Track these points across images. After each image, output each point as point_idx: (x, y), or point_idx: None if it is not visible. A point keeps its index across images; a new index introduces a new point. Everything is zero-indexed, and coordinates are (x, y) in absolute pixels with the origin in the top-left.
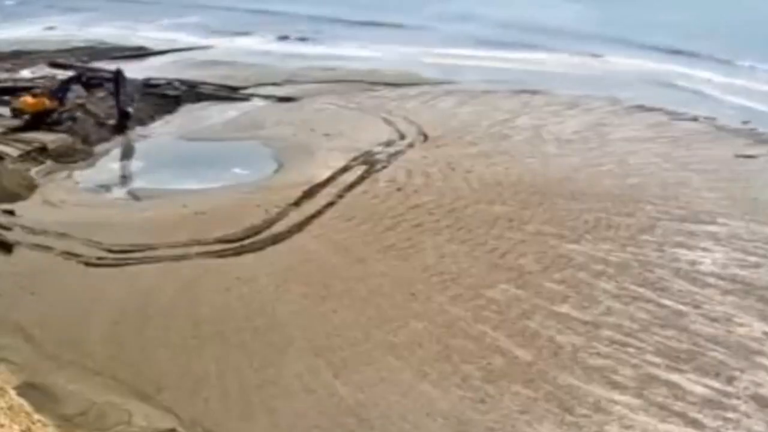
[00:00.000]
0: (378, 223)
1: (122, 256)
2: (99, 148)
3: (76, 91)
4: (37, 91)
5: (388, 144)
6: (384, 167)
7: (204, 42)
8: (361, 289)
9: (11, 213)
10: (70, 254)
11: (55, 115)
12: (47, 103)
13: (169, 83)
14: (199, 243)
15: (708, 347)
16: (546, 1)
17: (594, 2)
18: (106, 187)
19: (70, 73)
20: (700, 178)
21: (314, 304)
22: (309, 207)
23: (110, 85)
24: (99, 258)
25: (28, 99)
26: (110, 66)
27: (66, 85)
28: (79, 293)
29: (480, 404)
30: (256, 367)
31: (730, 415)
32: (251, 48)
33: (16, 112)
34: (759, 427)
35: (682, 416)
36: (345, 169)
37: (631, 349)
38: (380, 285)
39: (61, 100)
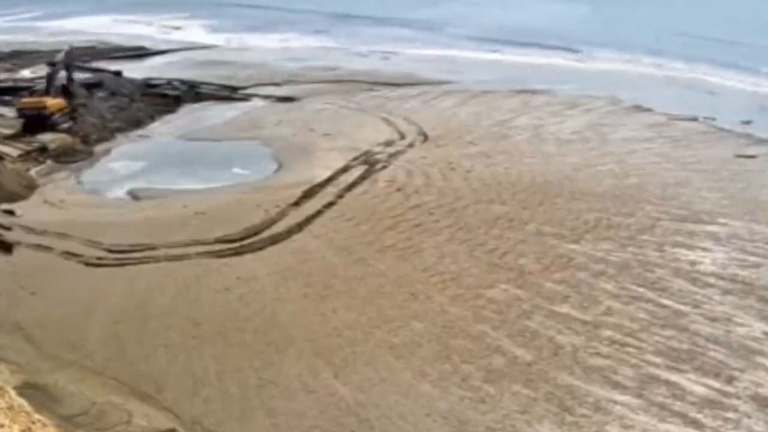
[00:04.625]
0: (378, 223)
1: (122, 256)
2: (99, 148)
3: (77, 92)
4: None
5: (388, 144)
6: (384, 167)
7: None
8: (361, 289)
9: (11, 213)
10: (70, 254)
11: (58, 116)
12: (63, 102)
13: (169, 83)
14: (199, 243)
15: (708, 347)
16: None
17: (594, 3)
18: (106, 187)
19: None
20: (700, 178)
21: (314, 304)
22: (309, 207)
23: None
24: (99, 258)
25: (47, 99)
26: (111, 66)
27: (51, 81)
28: (79, 293)
29: (480, 404)
30: (256, 367)
31: (730, 415)
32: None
33: (29, 111)
34: (759, 427)
35: (682, 416)
36: (345, 169)
37: (631, 349)
38: (380, 285)
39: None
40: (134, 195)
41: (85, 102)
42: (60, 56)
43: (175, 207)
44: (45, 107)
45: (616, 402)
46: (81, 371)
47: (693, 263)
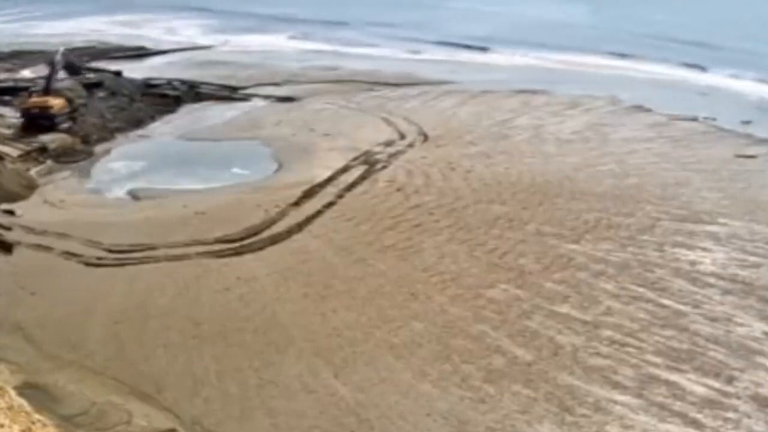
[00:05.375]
0: (378, 223)
1: (122, 256)
2: (99, 148)
3: (76, 91)
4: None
5: (388, 144)
6: (384, 167)
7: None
8: (361, 289)
9: (11, 213)
10: (70, 254)
11: (60, 117)
12: (63, 101)
13: (169, 83)
14: (199, 243)
15: (708, 347)
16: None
17: (594, 4)
18: (106, 187)
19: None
20: (700, 178)
21: (314, 304)
22: (309, 207)
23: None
24: (99, 258)
25: (51, 98)
26: (111, 66)
27: (49, 81)
28: (79, 293)
29: (480, 404)
30: (256, 367)
31: (730, 415)
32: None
33: (37, 111)
34: (759, 427)
35: (682, 416)
36: (345, 169)
37: (631, 349)
38: (380, 285)
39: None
40: (134, 195)
41: (85, 102)
42: (58, 57)
43: (175, 207)
44: (50, 107)
45: (616, 402)
46: (81, 371)
47: (693, 263)
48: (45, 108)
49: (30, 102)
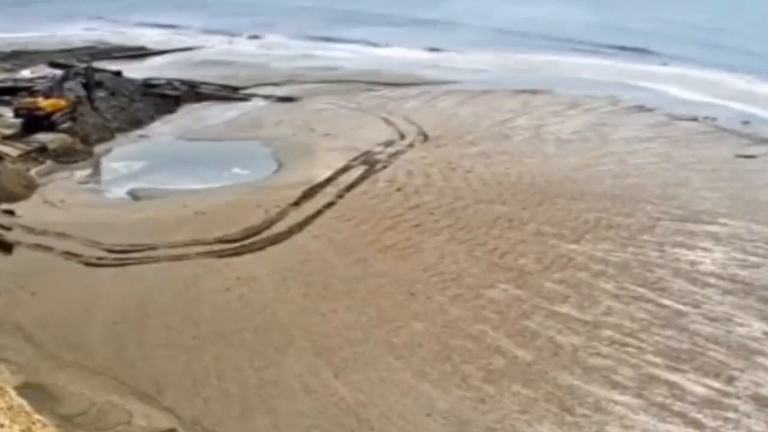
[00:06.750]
0: (378, 223)
1: (122, 256)
2: (99, 148)
3: (75, 90)
4: (38, 89)
5: (388, 144)
6: (384, 167)
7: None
8: (361, 289)
9: (11, 213)
10: (70, 254)
11: (58, 116)
12: (62, 102)
13: (169, 83)
14: (199, 243)
15: (708, 347)
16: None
17: (595, 4)
18: (106, 187)
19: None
20: (700, 178)
21: (314, 304)
22: (309, 207)
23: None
24: (99, 258)
25: (41, 99)
26: (111, 66)
27: (60, 84)
28: (79, 293)
29: (480, 404)
30: (256, 367)
31: (730, 415)
32: None
33: (24, 112)
34: (759, 427)
35: (682, 416)
36: (345, 169)
37: (631, 349)
38: (380, 285)
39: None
40: (134, 195)
41: (82, 101)
42: (77, 70)
43: (175, 207)
44: (39, 109)
45: (616, 402)
46: (81, 371)
47: (693, 263)
48: (33, 110)
49: (20, 103)
